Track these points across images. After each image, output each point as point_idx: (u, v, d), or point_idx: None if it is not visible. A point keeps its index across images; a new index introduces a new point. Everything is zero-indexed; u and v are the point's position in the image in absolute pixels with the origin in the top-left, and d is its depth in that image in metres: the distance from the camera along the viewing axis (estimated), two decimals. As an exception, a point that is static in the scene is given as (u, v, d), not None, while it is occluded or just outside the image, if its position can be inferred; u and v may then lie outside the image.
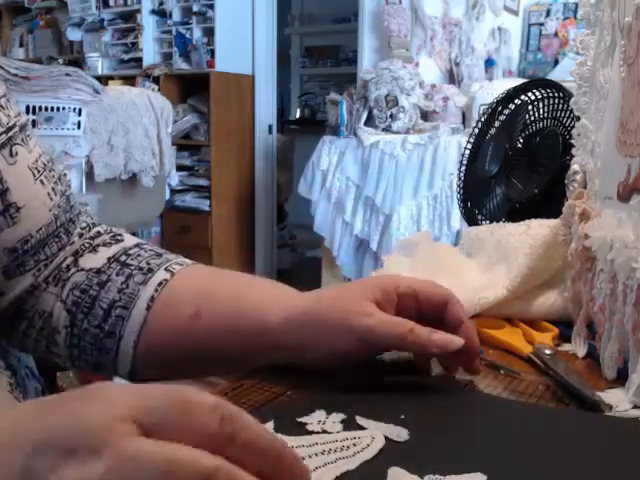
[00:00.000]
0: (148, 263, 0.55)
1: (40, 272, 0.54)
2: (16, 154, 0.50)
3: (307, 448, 0.37)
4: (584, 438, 0.40)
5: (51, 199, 0.53)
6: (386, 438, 0.38)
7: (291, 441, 0.37)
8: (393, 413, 0.40)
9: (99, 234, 0.58)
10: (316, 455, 0.36)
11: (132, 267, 0.54)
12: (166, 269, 0.54)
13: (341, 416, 0.40)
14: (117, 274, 0.54)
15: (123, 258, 0.55)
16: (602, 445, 0.39)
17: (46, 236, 0.53)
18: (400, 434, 0.38)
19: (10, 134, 0.50)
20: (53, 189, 0.53)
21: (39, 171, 0.52)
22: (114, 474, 0.23)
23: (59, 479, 0.23)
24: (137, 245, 0.57)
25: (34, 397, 0.56)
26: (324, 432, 0.38)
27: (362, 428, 0.39)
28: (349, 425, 0.39)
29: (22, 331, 0.54)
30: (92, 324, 0.52)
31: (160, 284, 0.53)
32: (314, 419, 0.40)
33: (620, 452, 0.38)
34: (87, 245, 0.56)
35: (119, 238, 0.58)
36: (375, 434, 0.38)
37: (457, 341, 0.45)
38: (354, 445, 0.37)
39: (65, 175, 0.58)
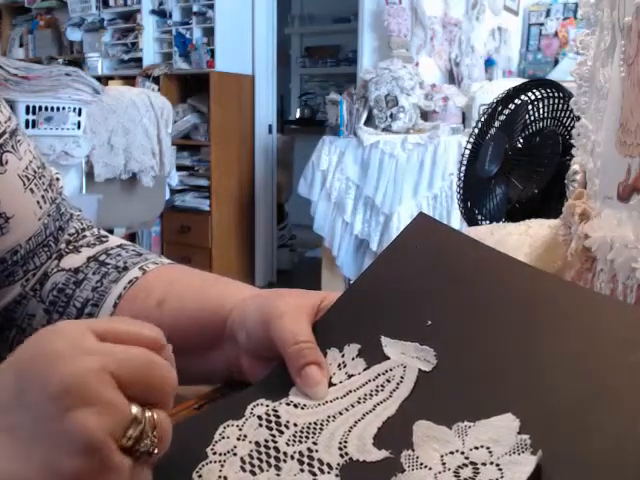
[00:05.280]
0: (125, 262, 0.53)
1: (28, 282, 0.53)
2: (6, 162, 0.49)
3: (341, 400, 0.35)
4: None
5: (40, 207, 0.52)
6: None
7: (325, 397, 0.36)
8: (417, 320, 0.37)
9: (85, 236, 0.57)
10: (352, 407, 0.35)
11: (109, 266, 0.53)
12: (140, 268, 0.53)
13: (356, 347, 0.38)
14: (94, 273, 0.53)
15: (102, 257, 0.54)
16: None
17: (35, 246, 0.52)
18: (427, 357, 0.35)
19: (0, 141, 0.49)
20: (43, 197, 0.52)
21: (29, 179, 0.51)
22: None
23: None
24: (120, 245, 0.56)
25: None
26: (351, 377, 0.37)
27: (386, 357, 0.36)
28: (370, 355, 0.37)
29: (11, 338, 0.53)
30: None
31: (130, 282, 0.52)
32: (332, 365, 0.38)
33: None
34: (71, 247, 0.55)
35: (104, 239, 0.57)
36: (405, 361, 0.36)
37: (315, 395, 0.37)
38: (388, 382, 0.35)
39: (58, 179, 0.56)
